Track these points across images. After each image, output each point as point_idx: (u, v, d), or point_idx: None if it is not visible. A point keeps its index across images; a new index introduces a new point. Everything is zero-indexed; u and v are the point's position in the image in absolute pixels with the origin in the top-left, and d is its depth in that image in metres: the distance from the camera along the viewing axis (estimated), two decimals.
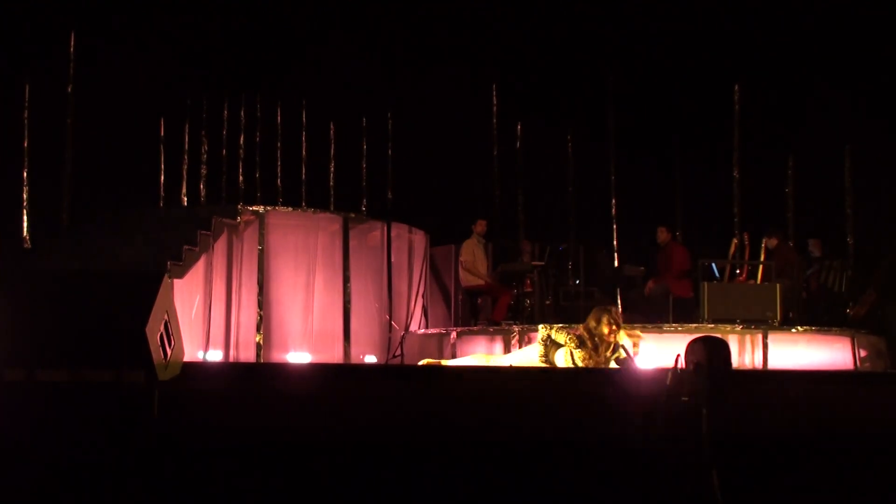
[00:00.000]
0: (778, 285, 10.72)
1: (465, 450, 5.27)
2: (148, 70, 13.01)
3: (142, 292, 4.91)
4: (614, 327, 8.22)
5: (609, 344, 8.16)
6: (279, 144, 13.03)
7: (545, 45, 14.49)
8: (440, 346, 11.04)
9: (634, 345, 8.35)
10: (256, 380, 5.82)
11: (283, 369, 7.44)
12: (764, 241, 11.93)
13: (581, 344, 8.15)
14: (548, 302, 12.17)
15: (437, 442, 5.30)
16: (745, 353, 10.22)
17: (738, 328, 10.27)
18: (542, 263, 12.29)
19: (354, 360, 10.94)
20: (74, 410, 4.87)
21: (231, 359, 10.35)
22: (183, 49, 13.28)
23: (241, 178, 12.82)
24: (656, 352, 9.78)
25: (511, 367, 7.97)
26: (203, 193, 12.74)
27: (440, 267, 13.08)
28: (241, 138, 12.83)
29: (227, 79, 13.25)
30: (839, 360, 10.47)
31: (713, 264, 11.79)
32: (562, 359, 8.15)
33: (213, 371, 6.70)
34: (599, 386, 6.00)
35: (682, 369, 4.88)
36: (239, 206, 11.01)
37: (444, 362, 8.84)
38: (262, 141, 12.94)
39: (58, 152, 12.12)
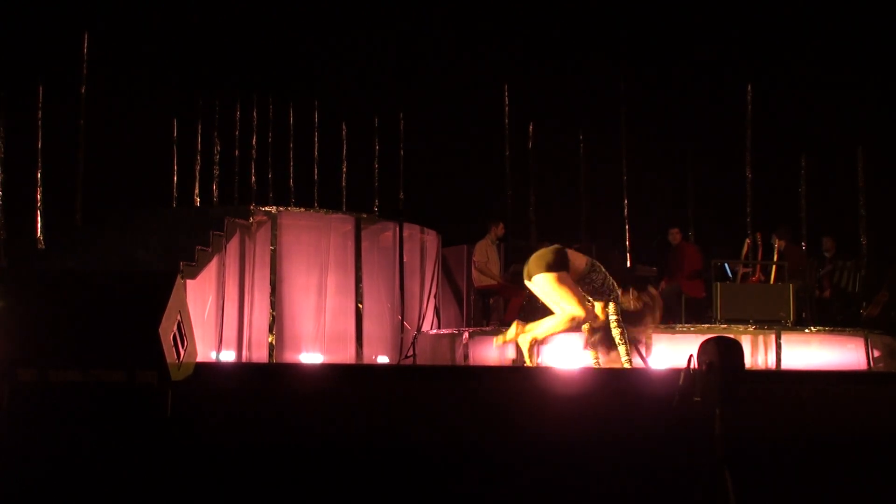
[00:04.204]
0: (791, 285, 10.69)
1: (478, 450, 5.27)
2: (160, 71, 13.06)
3: (155, 293, 4.92)
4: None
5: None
6: (291, 145, 13.07)
7: (557, 45, 14.49)
8: (452, 346, 11.03)
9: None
10: (269, 380, 5.83)
11: (296, 370, 7.45)
12: (773, 241, 11.91)
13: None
14: None
15: (450, 443, 5.30)
16: (757, 353, 10.20)
17: (751, 328, 10.25)
18: None
19: (367, 360, 10.95)
20: (87, 411, 4.88)
21: (244, 359, 10.36)
22: (195, 49, 13.32)
23: (253, 178, 12.86)
24: (669, 352, 9.78)
25: (525, 366, 7.93)
26: (216, 194, 12.79)
27: (452, 267, 13.08)
28: (254, 139, 12.88)
29: (239, 79, 13.29)
30: (852, 361, 10.43)
31: (726, 264, 11.77)
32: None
33: (225, 371, 6.72)
34: (611, 386, 5.99)
35: (694, 369, 4.86)
36: (251, 207, 11.03)
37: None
38: (274, 141, 12.98)
39: (71, 153, 12.17)
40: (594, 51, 14.42)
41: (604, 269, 8.03)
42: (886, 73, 13.33)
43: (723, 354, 4.76)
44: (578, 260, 7.87)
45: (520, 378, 6.30)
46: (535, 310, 12.09)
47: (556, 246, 8.06)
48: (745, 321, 10.32)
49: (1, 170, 11.84)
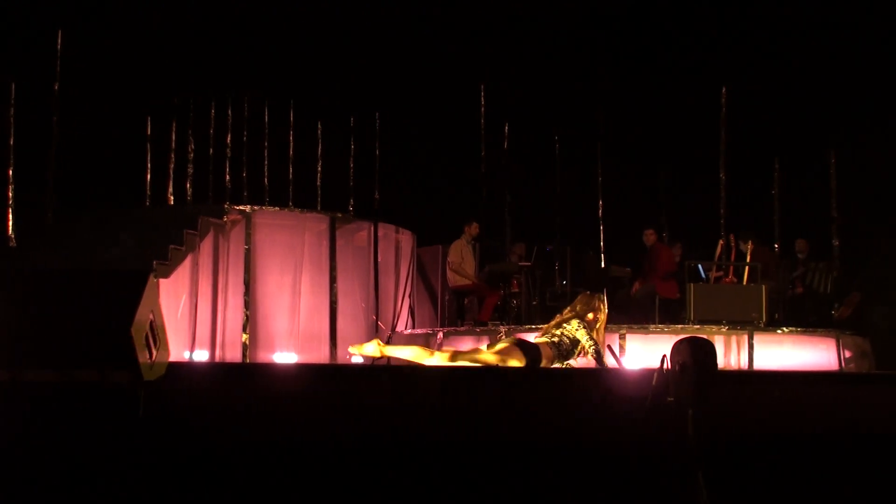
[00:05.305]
0: (764, 286, 10.76)
1: (451, 451, 5.28)
2: (135, 68, 12.98)
3: (127, 292, 4.89)
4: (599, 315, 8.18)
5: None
6: (266, 144, 13.01)
7: (533, 46, 14.51)
8: (427, 346, 11.02)
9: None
10: (242, 380, 5.82)
11: (270, 369, 7.44)
12: (741, 247, 11.96)
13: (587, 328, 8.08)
14: (534, 302, 12.19)
15: (424, 443, 5.30)
16: (730, 353, 10.26)
17: (724, 329, 10.31)
18: (529, 264, 12.31)
19: (341, 360, 10.93)
20: (60, 411, 4.85)
21: (217, 359, 10.33)
22: (170, 47, 13.25)
23: (227, 177, 12.79)
24: (642, 352, 9.83)
25: (497, 367, 7.95)
26: (189, 192, 12.71)
27: (427, 267, 13.09)
28: (229, 137, 12.81)
29: (214, 77, 13.23)
30: (824, 361, 10.52)
31: (699, 265, 11.82)
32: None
33: (198, 371, 6.69)
34: (584, 387, 6.01)
35: (667, 370, 4.89)
36: (225, 206, 10.99)
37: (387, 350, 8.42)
38: (249, 140, 12.92)
39: (44, 150, 12.08)
40: (570, 52, 14.45)
41: (561, 331, 8.02)
42: (858, 76, 13.43)
43: (696, 355, 4.79)
44: (545, 350, 7.91)
45: (493, 379, 6.31)
46: (510, 309, 12.16)
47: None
48: (718, 322, 10.38)
49: None
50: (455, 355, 8.04)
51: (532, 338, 8.30)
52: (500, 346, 8.00)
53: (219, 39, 13.59)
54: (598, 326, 8.17)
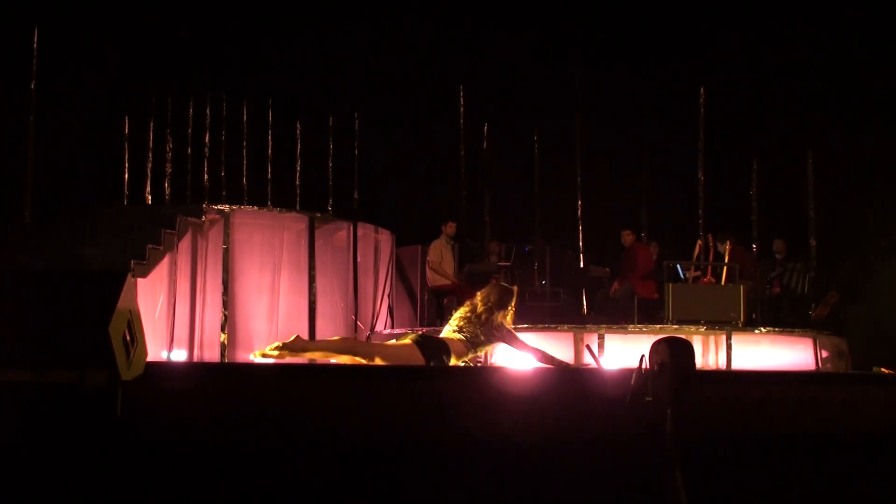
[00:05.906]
0: (742, 286, 10.81)
1: (431, 451, 5.27)
2: (113, 67, 12.91)
3: (105, 291, 4.86)
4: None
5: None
6: (245, 143, 12.96)
7: (513, 46, 14.53)
8: None
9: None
10: (221, 379, 5.78)
11: (248, 369, 7.40)
12: (718, 245, 12.01)
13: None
14: None
15: (403, 444, 5.30)
16: (708, 353, 10.30)
17: (703, 329, 10.35)
18: (509, 264, 12.32)
19: (320, 360, 10.89)
20: (36, 411, 4.82)
21: (195, 358, 10.29)
22: (148, 46, 13.19)
23: (206, 176, 12.74)
24: (621, 352, 9.85)
25: (476, 365, 7.93)
26: (168, 192, 12.65)
27: (406, 267, 13.08)
28: (207, 137, 12.76)
29: (192, 76, 13.17)
30: (801, 361, 10.57)
31: (678, 266, 11.86)
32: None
33: (176, 371, 6.65)
34: (563, 386, 6.01)
35: (646, 370, 4.89)
36: (204, 205, 10.95)
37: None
38: (227, 139, 12.87)
39: (21, 149, 12.00)
40: (549, 52, 14.48)
41: (473, 320, 7.86)
42: (836, 77, 13.51)
43: (674, 355, 4.80)
44: (455, 346, 7.76)
45: (472, 378, 6.31)
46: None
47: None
48: (696, 322, 10.41)
49: None
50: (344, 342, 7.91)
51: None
52: (398, 342, 7.83)
53: (197, 38, 13.53)
54: (509, 319, 8.00)
